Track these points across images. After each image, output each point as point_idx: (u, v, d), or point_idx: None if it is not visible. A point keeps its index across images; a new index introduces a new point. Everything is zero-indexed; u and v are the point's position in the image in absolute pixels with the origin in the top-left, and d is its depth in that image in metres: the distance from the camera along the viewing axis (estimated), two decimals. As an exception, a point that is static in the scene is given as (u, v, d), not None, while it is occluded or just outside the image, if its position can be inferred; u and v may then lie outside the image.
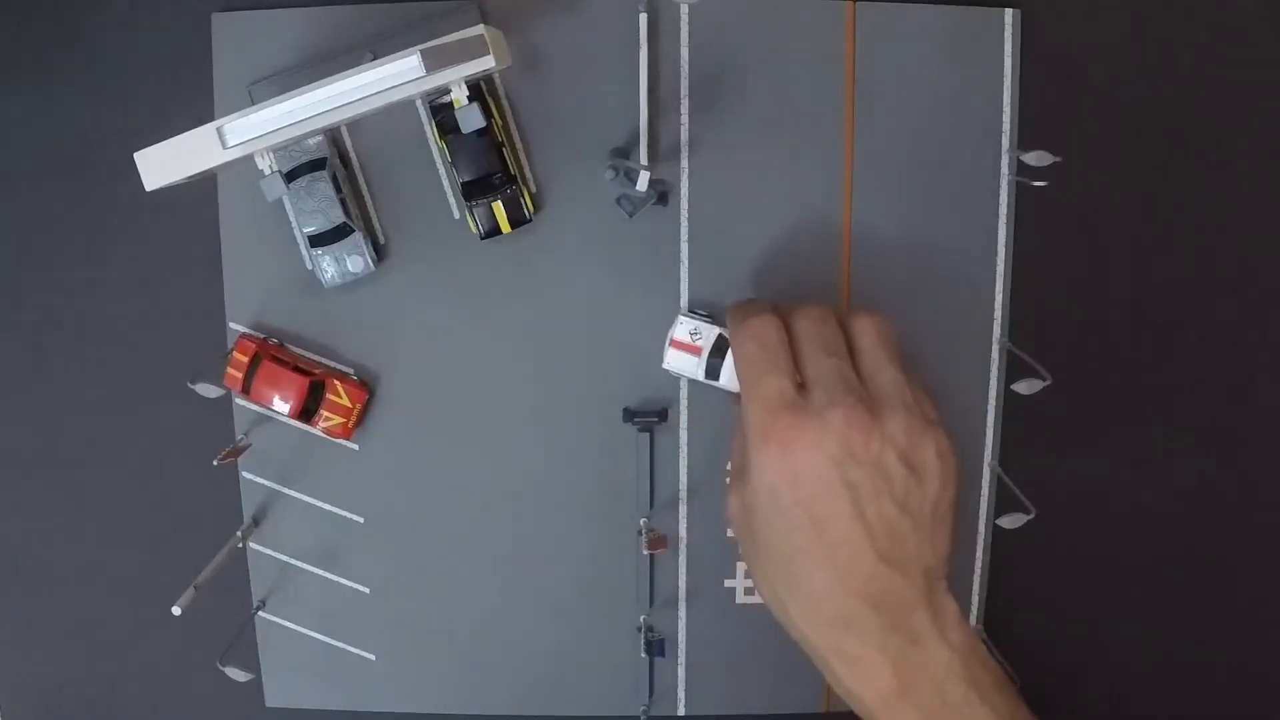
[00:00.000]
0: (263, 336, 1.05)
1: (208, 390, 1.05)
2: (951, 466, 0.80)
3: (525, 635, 1.11)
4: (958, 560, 1.09)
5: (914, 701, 0.76)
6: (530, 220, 1.02)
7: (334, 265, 1.03)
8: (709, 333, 1.01)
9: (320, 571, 1.11)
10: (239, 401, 1.07)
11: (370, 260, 1.03)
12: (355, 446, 1.08)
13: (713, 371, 1.00)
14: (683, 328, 1.02)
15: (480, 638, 1.11)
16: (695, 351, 1.01)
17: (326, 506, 1.10)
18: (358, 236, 1.02)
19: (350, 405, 1.04)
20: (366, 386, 1.06)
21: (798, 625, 0.81)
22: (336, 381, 1.04)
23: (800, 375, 0.82)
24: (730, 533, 1.10)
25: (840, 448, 0.76)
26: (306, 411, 1.04)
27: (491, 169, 1.00)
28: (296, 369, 1.04)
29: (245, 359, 1.04)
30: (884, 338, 0.87)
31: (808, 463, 0.77)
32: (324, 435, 1.07)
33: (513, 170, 1.00)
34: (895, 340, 0.88)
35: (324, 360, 1.07)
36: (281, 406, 1.04)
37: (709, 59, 1.03)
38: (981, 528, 1.11)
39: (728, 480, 0.86)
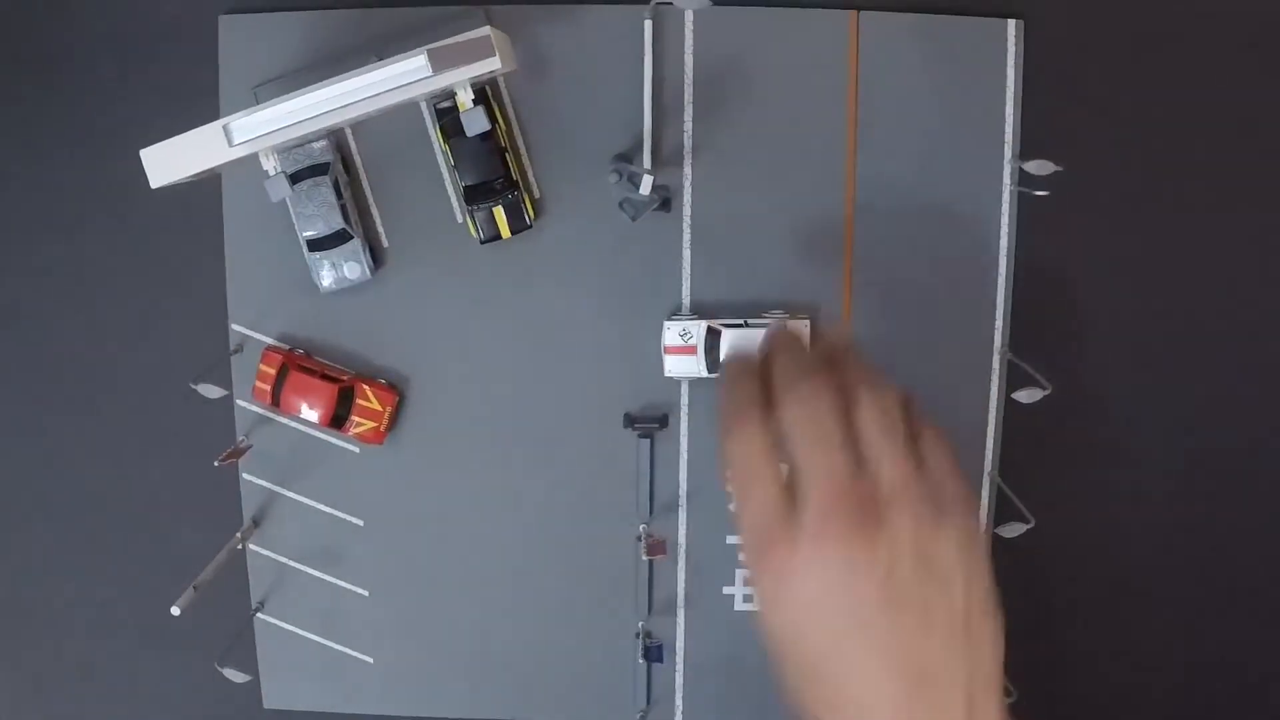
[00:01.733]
0: (289, 348, 1.06)
1: (209, 391, 1.05)
2: (975, 558, 0.72)
3: (523, 639, 1.10)
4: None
5: None
6: (531, 226, 1.02)
7: (331, 271, 1.03)
8: (698, 329, 1.02)
9: (319, 574, 1.11)
10: (241, 403, 1.07)
11: (367, 267, 1.03)
12: (356, 449, 1.08)
13: (714, 364, 1.02)
14: (671, 332, 1.03)
15: (478, 641, 1.11)
16: (690, 351, 1.03)
17: (326, 509, 1.10)
18: (356, 244, 1.02)
19: (381, 409, 1.04)
20: (396, 389, 1.05)
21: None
22: (365, 386, 1.05)
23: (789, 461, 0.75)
24: (730, 539, 1.10)
25: (840, 571, 0.70)
26: (337, 419, 1.04)
27: (494, 173, 1.00)
28: (325, 376, 1.04)
29: (272, 371, 1.04)
30: (887, 415, 0.79)
31: (808, 590, 0.69)
32: (358, 442, 1.06)
33: (515, 176, 1.01)
34: (900, 413, 0.80)
35: (346, 367, 1.06)
36: (310, 415, 1.04)
37: (713, 66, 1.03)
38: (981, 536, 1.10)
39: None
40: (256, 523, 1.11)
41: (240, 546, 1.09)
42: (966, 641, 0.68)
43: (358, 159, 1.06)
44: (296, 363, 1.05)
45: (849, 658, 0.68)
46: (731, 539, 1.11)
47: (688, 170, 1.06)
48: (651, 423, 1.07)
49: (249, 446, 1.08)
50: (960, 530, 0.69)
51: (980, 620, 0.70)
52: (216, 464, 1.03)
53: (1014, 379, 1.09)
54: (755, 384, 0.80)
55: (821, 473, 0.68)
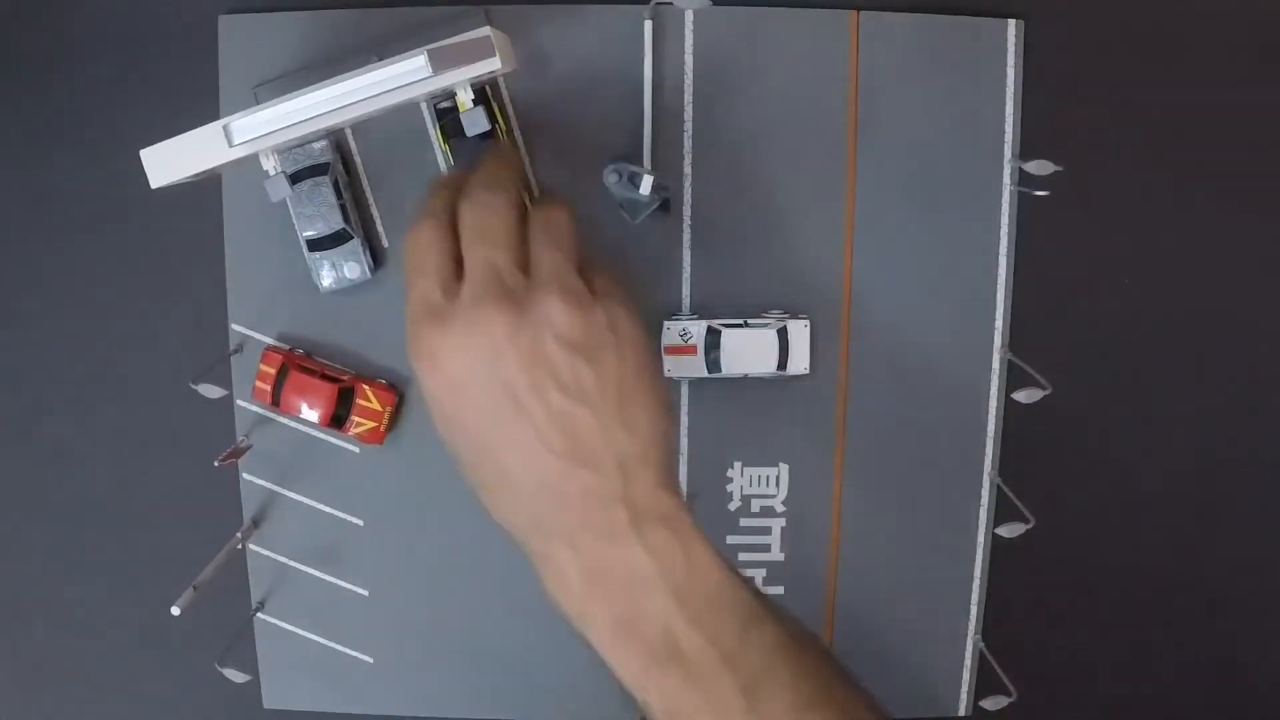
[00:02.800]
0: (289, 348, 1.06)
1: (209, 391, 1.05)
2: (627, 334, 0.71)
3: (523, 639, 1.11)
4: (955, 567, 1.10)
5: (605, 605, 0.69)
6: None
7: (331, 271, 1.03)
8: (698, 329, 1.03)
9: (319, 574, 1.11)
10: (240, 403, 1.08)
11: (367, 267, 1.03)
12: (356, 449, 1.08)
13: (714, 365, 1.02)
14: (671, 331, 1.03)
15: (479, 641, 1.11)
16: (690, 351, 1.03)
17: (326, 509, 1.10)
18: (356, 243, 1.02)
19: (380, 409, 1.04)
20: (396, 389, 1.05)
21: (502, 523, 0.76)
22: (365, 386, 1.04)
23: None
24: (730, 539, 1.11)
25: (488, 345, 0.68)
26: (337, 419, 1.04)
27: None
28: (324, 376, 1.04)
29: (273, 371, 1.04)
30: (550, 223, 0.79)
31: (459, 369, 0.70)
32: (358, 442, 1.07)
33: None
34: (566, 225, 0.80)
35: (347, 367, 1.06)
36: (310, 415, 1.04)
37: (713, 66, 1.04)
38: (981, 537, 1.11)
39: None
40: (256, 523, 1.11)
41: (240, 546, 1.09)
42: (619, 410, 0.71)
43: (358, 159, 1.06)
44: (296, 363, 1.05)
45: (502, 434, 0.73)
46: (731, 539, 1.11)
47: (688, 170, 1.06)
48: (651, 423, 1.07)
49: (249, 446, 1.08)
50: (609, 311, 0.75)
51: (633, 389, 0.74)
52: (216, 464, 1.03)
53: (1014, 379, 1.09)
54: (450, 196, 0.84)
55: (479, 265, 0.73)
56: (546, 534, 0.73)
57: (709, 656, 0.69)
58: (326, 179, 1.02)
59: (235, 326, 1.07)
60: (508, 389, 0.70)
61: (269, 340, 1.07)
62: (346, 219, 1.02)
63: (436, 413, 0.77)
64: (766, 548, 1.11)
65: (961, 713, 1.14)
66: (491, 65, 0.82)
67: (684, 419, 1.08)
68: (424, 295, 0.75)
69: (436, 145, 1.04)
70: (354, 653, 1.13)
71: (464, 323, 0.70)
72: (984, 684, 1.13)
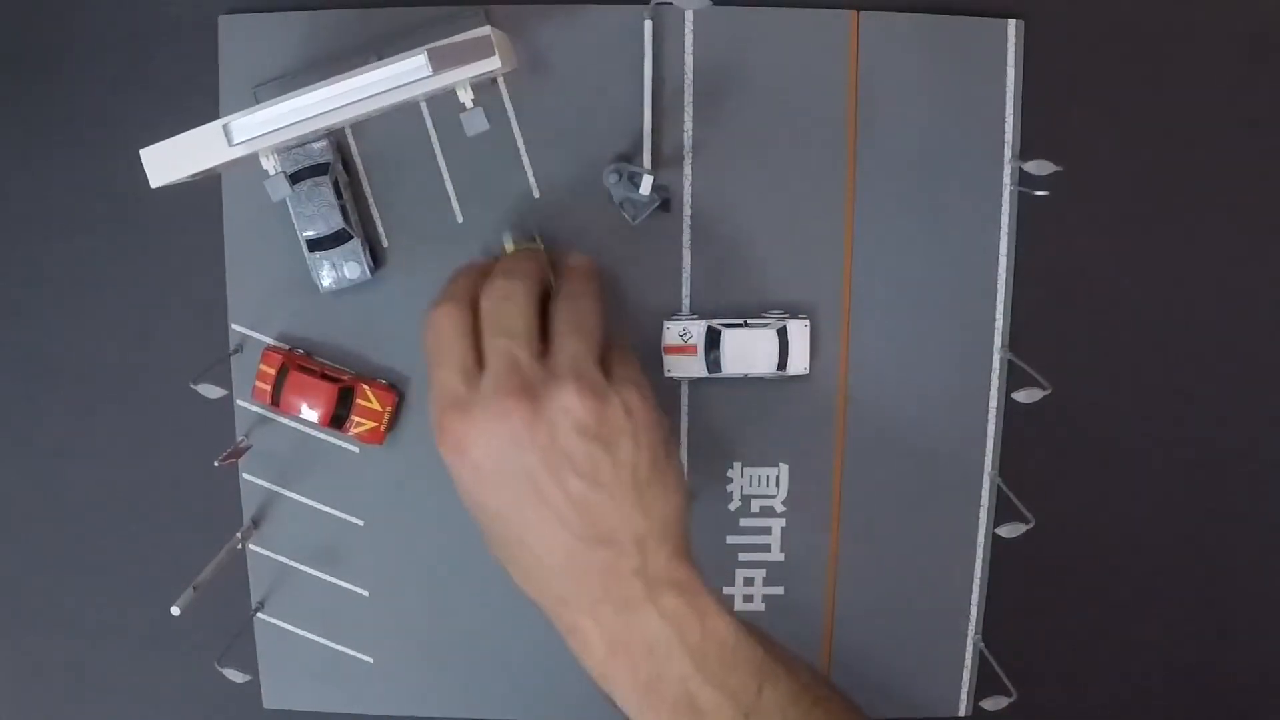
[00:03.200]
0: (289, 348, 1.06)
1: (209, 391, 1.05)
2: (642, 420, 0.76)
3: (525, 640, 1.11)
4: (955, 567, 1.11)
5: (628, 671, 0.74)
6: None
7: (331, 271, 1.03)
8: (698, 329, 1.02)
9: (319, 574, 1.11)
10: (240, 403, 1.08)
11: (367, 267, 1.03)
12: (356, 449, 1.08)
13: (714, 365, 1.02)
14: (671, 331, 1.03)
15: (480, 642, 1.11)
16: (690, 351, 1.03)
17: (326, 509, 1.10)
18: (356, 244, 1.02)
19: (380, 409, 1.04)
20: (396, 389, 1.05)
21: (528, 596, 0.83)
22: (365, 386, 1.04)
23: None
24: (730, 539, 1.11)
25: (508, 434, 0.73)
26: (337, 419, 1.04)
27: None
28: (324, 376, 1.04)
29: (272, 371, 1.04)
30: (574, 311, 0.84)
31: (482, 456, 0.75)
32: (358, 442, 1.07)
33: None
34: (591, 311, 0.85)
35: (347, 367, 1.06)
36: (310, 415, 1.04)
37: (713, 66, 1.04)
38: (981, 537, 1.11)
39: None
40: (256, 523, 1.11)
41: (240, 546, 1.09)
42: (635, 494, 0.76)
43: (358, 159, 1.06)
44: (296, 363, 1.05)
45: (526, 517, 0.80)
46: (731, 539, 1.11)
47: (688, 170, 1.06)
48: (651, 423, 1.07)
49: (249, 446, 1.08)
50: (625, 399, 0.77)
51: (647, 475, 0.77)
52: (216, 464, 1.03)
53: (1014, 379, 1.09)
54: (472, 282, 0.88)
55: (498, 356, 0.78)
56: (571, 608, 0.79)
57: (727, 713, 0.75)
58: (326, 179, 1.02)
59: (235, 326, 1.07)
60: (529, 476, 0.74)
61: (269, 340, 1.07)
62: (346, 219, 1.03)
63: (463, 494, 0.82)
64: (766, 548, 1.11)
65: (961, 713, 1.14)
66: (491, 65, 0.82)
67: (684, 419, 1.08)
68: (447, 385, 0.79)
69: (437, 145, 1.04)
70: (354, 653, 1.13)
71: (485, 413, 0.74)
72: (984, 684, 1.13)
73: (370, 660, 1.13)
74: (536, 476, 0.74)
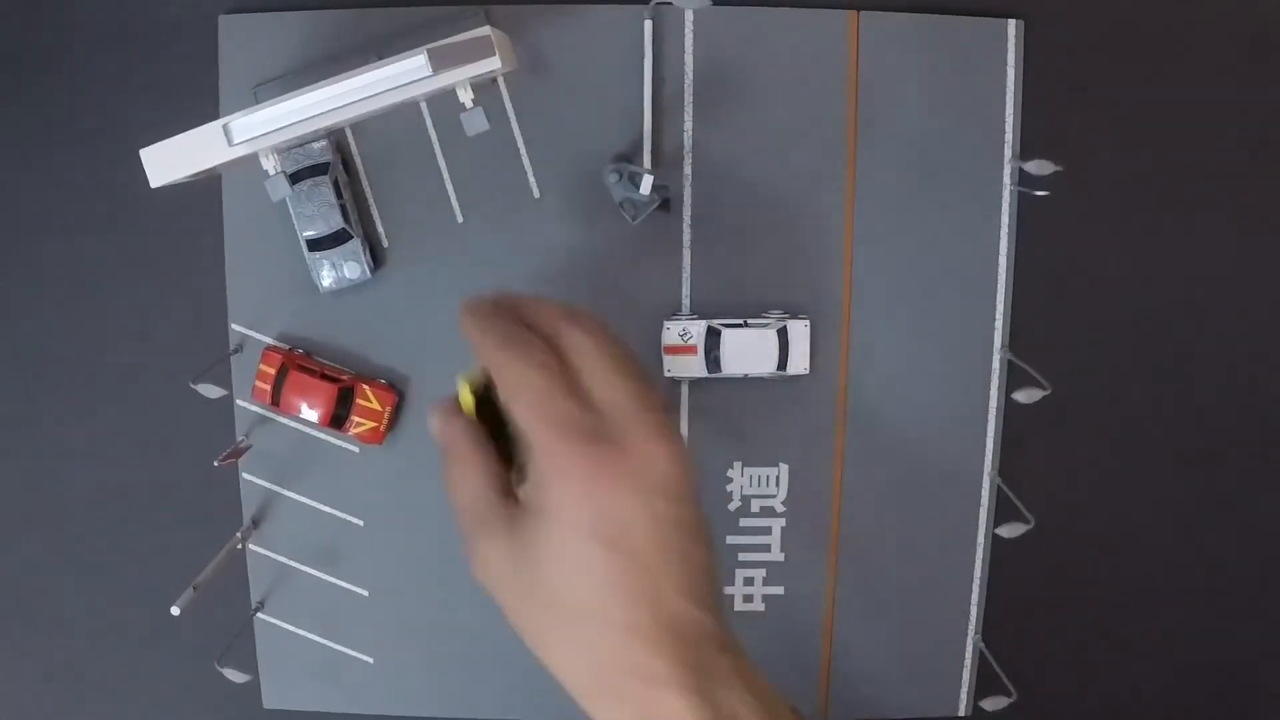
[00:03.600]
0: (288, 347, 1.06)
1: (209, 391, 1.05)
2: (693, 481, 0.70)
3: (523, 640, 1.10)
4: (955, 567, 1.11)
5: None
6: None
7: (331, 271, 1.04)
8: (698, 329, 1.03)
9: (319, 574, 1.11)
10: (240, 403, 1.08)
11: (367, 267, 1.03)
12: (355, 449, 1.08)
13: (714, 365, 1.02)
14: (671, 332, 1.03)
15: (478, 641, 1.11)
16: (690, 351, 1.03)
17: (326, 509, 1.10)
18: (355, 243, 1.02)
19: (381, 409, 1.04)
20: (396, 389, 1.05)
21: (568, 675, 0.71)
22: (365, 386, 1.04)
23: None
24: (729, 539, 1.11)
25: (659, 486, 0.65)
26: (337, 419, 1.04)
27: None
28: (324, 376, 1.04)
29: (272, 371, 1.04)
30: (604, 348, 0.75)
31: (617, 502, 0.66)
32: (358, 442, 1.07)
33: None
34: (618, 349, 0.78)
35: (347, 367, 1.06)
36: (310, 415, 1.04)
37: (713, 66, 1.03)
38: (981, 537, 1.11)
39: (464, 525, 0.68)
40: (256, 523, 1.11)
41: (240, 546, 1.09)
42: (707, 556, 0.69)
43: (358, 159, 1.06)
44: (296, 362, 1.05)
45: (645, 560, 0.64)
46: (731, 539, 1.11)
47: (688, 170, 1.06)
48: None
49: (249, 446, 1.08)
50: (684, 458, 0.69)
51: (678, 540, 0.70)
52: (216, 464, 1.03)
53: (1014, 379, 1.09)
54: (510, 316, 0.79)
55: (621, 398, 0.63)
56: (655, 682, 0.77)
57: None
58: (326, 179, 1.02)
59: (235, 326, 1.07)
60: (663, 526, 0.70)
61: (269, 340, 1.07)
62: (346, 219, 1.03)
63: (554, 543, 0.77)
64: (766, 548, 1.11)
65: (961, 713, 1.14)
66: (491, 64, 0.82)
67: (684, 419, 1.08)
68: (572, 414, 0.74)
69: (437, 145, 1.04)
70: (354, 653, 1.13)
71: (622, 452, 0.70)
72: (984, 684, 1.13)
73: (370, 660, 1.13)
74: (666, 528, 0.67)
